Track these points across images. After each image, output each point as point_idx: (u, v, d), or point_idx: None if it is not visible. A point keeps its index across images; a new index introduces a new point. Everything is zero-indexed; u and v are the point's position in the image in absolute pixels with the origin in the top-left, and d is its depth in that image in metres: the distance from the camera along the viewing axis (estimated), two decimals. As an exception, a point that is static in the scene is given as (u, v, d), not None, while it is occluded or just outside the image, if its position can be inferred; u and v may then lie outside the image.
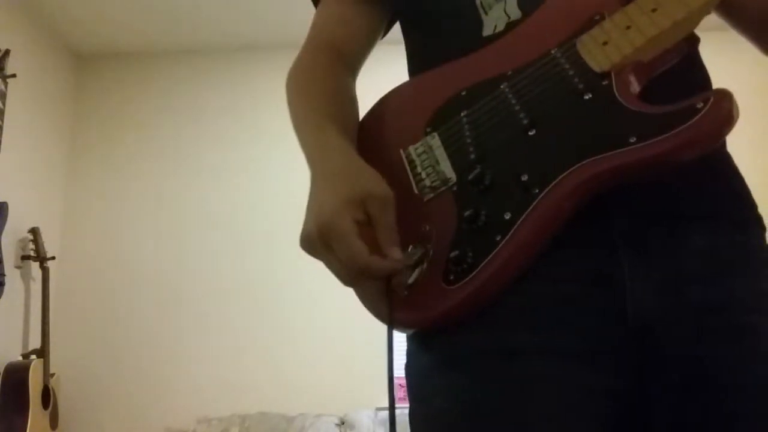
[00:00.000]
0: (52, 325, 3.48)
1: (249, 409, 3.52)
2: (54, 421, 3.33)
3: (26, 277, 3.61)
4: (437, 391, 0.76)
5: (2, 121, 3.19)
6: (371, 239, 0.73)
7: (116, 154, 4.15)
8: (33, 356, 3.38)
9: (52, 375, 3.38)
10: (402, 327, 0.79)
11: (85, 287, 3.91)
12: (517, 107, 0.77)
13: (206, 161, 4.09)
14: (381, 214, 0.74)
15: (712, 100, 0.66)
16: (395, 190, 0.81)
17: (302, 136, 0.87)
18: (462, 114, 0.81)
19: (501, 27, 0.85)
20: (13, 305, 3.43)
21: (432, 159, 0.81)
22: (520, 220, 0.71)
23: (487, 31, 0.86)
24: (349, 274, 0.73)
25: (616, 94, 0.72)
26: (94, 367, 3.76)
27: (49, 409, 3.29)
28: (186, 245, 3.95)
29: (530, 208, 0.71)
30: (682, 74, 0.76)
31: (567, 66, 0.76)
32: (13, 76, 3.31)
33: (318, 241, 0.73)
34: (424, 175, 0.80)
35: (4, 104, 3.22)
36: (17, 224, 3.46)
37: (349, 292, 0.80)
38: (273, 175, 3.93)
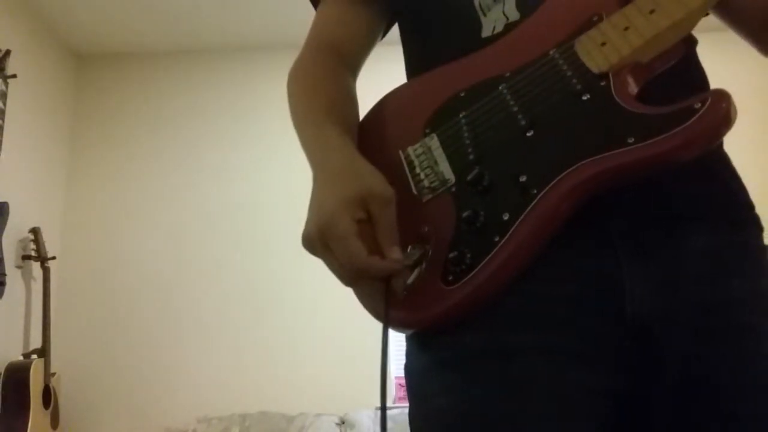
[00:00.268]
0: (53, 324, 3.48)
1: (249, 409, 3.52)
2: (55, 420, 3.33)
3: (27, 277, 3.61)
4: (436, 391, 0.76)
5: (2, 121, 3.19)
6: (371, 238, 0.73)
7: (116, 154, 4.15)
8: (34, 356, 3.38)
9: (53, 374, 3.38)
10: (401, 327, 0.79)
11: (86, 287, 3.91)
12: (516, 108, 0.77)
13: (206, 161, 4.09)
14: (381, 213, 0.75)
15: (709, 100, 0.67)
16: (394, 191, 0.81)
17: (303, 135, 0.88)
18: (461, 115, 0.81)
19: (500, 28, 0.85)
20: (13, 305, 3.43)
21: (431, 160, 0.81)
22: (519, 220, 0.72)
23: (485, 33, 0.86)
24: (348, 274, 0.73)
25: (614, 95, 0.72)
26: (94, 367, 3.76)
27: (50, 408, 3.29)
28: (186, 245, 3.95)
29: (528, 208, 0.71)
30: (680, 75, 0.77)
31: (565, 67, 0.76)
32: (14, 76, 3.31)
33: (318, 241, 0.73)
34: (422, 176, 0.80)
35: (4, 104, 3.22)
36: (18, 224, 3.46)
37: (349, 292, 0.80)
38: (273, 175, 3.93)
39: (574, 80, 0.74)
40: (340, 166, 0.79)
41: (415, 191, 0.80)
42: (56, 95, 4.10)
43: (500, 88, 0.79)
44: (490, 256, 0.72)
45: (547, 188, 0.71)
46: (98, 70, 4.31)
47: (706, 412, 0.73)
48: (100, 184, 4.11)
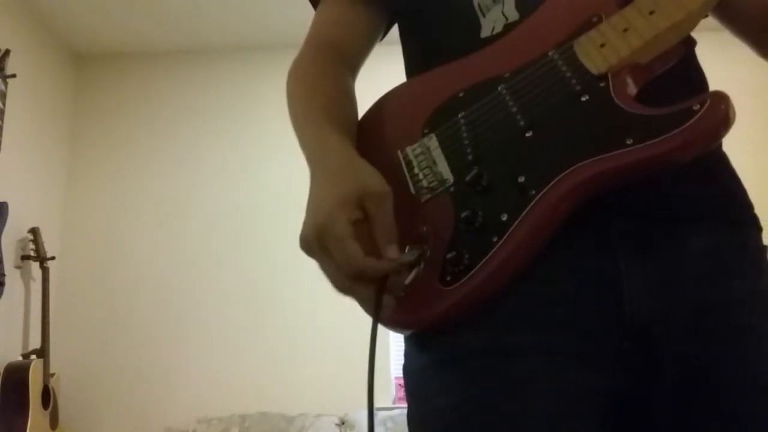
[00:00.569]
0: (52, 325, 3.48)
1: (249, 409, 3.52)
2: (54, 421, 3.33)
3: (26, 277, 3.61)
4: (435, 392, 0.76)
5: (2, 121, 3.19)
6: (369, 238, 0.72)
7: (116, 154, 4.15)
8: (33, 356, 3.38)
9: (52, 375, 3.38)
10: (399, 328, 0.79)
11: (85, 287, 3.91)
12: (515, 109, 0.77)
13: (206, 161, 4.09)
14: (378, 211, 0.73)
15: (708, 102, 0.67)
16: (392, 191, 0.81)
17: (301, 134, 0.87)
18: (459, 115, 0.81)
19: (499, 28, 0.85)
20: (13, 305, 3.43)
21: (429, 160, 0.81)
22: (517, 221, 0.72)
23: (485, 33, 0.86)
24: (345, 276, 0.72)
25: (613, 96, 0.72)
26: (94, 367, 3.76)
27: (49, 409, 3.29)
28: (186, 245, 3.95)
29: (527, 209, 0.71)
30: (679, 76, 0.77)
31: (564, 68, 0.76)
32: (13, 76, 3.31)
33: (315, 242, 0.73)
34: (421, 176, 0.80)
35: (4, 104, 3.22)
36: (17, 224, 3.46)
37: (350, 292, 0.79)
38: (273, 175, 3.93)
39: (573, 81, 0.74)
40: (337, 165, 0.78)
41: (413, 191, 0.80)
42: (56, 95, 4.10)
43: (499, 88, 0.79)
44: (488, 256, 0.72)
45: (545, 189, 0.71)
46: (98, 70, 4.31)
47: (706, 413, 0.73)
48: (99, 184, 4.11)
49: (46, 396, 3.27)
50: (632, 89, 0.72)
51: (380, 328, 0.76)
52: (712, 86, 0.79)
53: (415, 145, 0.83)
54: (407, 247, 0.75)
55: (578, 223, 0.72)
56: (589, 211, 0.71)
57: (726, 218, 0.80)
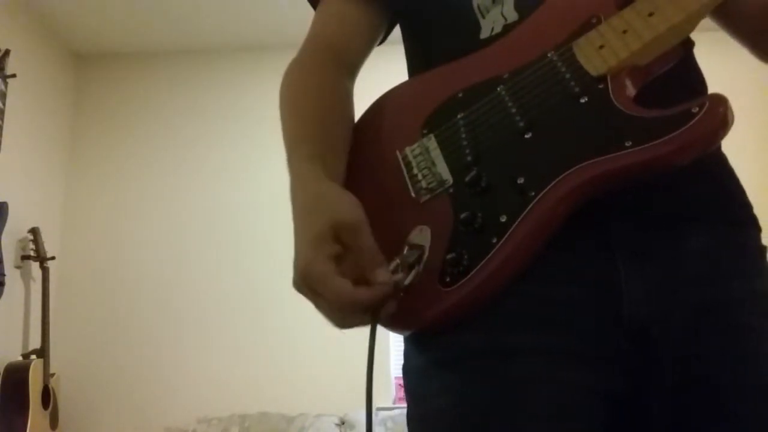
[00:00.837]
0: (52, 325, 3.48)
1: (249, 409, 3.52)
2: (54, 421, 3.33)
3: (26, 277, 3.61)
4: (435, 392, 0.76)
5: (2, 121, 3.19)
6: (355, 265, 0.72)
7: (116, 154, 4.15)
8: (33, 356, 3.38)
9: (52, 375, 3.38)
10: (398, 328, 0.79)
11: (85, 287, 3.91)
12: (514, 110, 0.77)
13: (206, 161, 4.09)
14: (355, 241, 0.72)
15: (707, 105, 0.67)
16: (391, 191, 0.81)
17: (286, 158, 0.86)
18: (459, 116, 0.81)
19: (498, 29, 0.85)
20: (13, 305, 3.43)
21: (428, 160, 0.80)
22: (516, 222, 0.72)
23: (484, 34, 0.86)
24: (342, 312, 0.71)
25: (612, 98, 0.72)
26: (94, 367, 3.76)
27: (49, 409, 3.29)
28: (186, 245, 3.95)
29: (526, 211, 0.71)
30: (677, 77, 0.77)
31: (563, 69, 0.76)
32: (13, 76, 3.31)
33: (303, 287, 0.72)
34: (420, 176, 0.80)
35: (4, 104, 3.22)
36: (17, 224, 3.46)
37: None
38: (273, 175, 3.90)
39: (572, 83, 0.74)
40: (308, 202, 0.77)
41: (412, 192, 0.80)
42: (56, 95, 4.10)
43: (498, 89, 0.79)
44: (487, 257, 0.72)
45: (544, 190, 0.71)
46: (98, 70, 4.31)
47: (706, 413, 0.73)
48: (99, 184, 4.11)
49: (46, 396, 3.28)
50: (631, 91, 0.72)
51: (380, 328, 0.76)
52: (711, 87, 0.79)
53: (414, 146, 0.83)
54: (406, 248, 0.75)
55: (577, 224, 0.72)
56: (589, 212, 0.71)
57: (725, 218, 0.80)
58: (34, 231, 3.57)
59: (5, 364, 3.22)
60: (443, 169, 0.79)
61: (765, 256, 0.82)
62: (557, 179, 0.71)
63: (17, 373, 3.19)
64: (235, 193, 4.01)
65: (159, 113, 4.21)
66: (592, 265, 0.75)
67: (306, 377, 3.65)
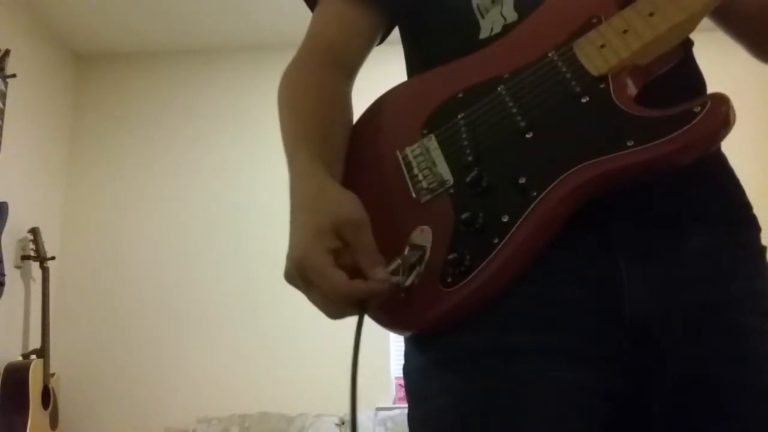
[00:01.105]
0: (52, 325, 3.48)
1: (249, 409, 3.52)
2: (54, 421, 3.33)
3: (26, 277, 3.61)
4: (435, 392, 0.76)
5: (2, 121, 3.19)
6: (351, 263, 0.72)
7: (116, 154, 4.15)
8: (33, 356, 3.38)
9: (52, 375, 3.38)
10: (399, 329, 0.79)
11: (85, 287, 3.91)
12: (515, 110, 0.77)
13: (206, 161, 4.09)
14: (356, 239, 0.73)
15: (709, 104, 0.67)
16: (391, 192, 0.81)
17: (285, 152, 0.86)
18: (459, 116, 0.81)
19: (497, 29, 0.85)
20: (13, 305, 3.43)
21: (429, 161, 0.80)
22: (518, 222, 0.71)
23: (483, 34, 0.86)
24: (335, 304, 0.72)
25: (614, 98, 0.72)
26: (94, 367, 3.76)
27: (49, 409, 3.29)
28: (186, 245, 3.95)
29: (527, 211, 0.71)
30: (677, 77, 0.77)
31: (564, 69, 0.76)
32: (13, 76, 3.31)
33: (297, 277, 0.73)
34: (420, 176, 0.80)
35: (4, 104, 3.22)
36: (17, 224, 3.46)
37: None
38: (273, 175, 3.90)
39: (573, 82, 0.74)
40: (309, 197, 0.78)
41: (413, 192, 0.80)
42: (56, 95, 4.10)
43: (499, 89, 0.79)
44: (489, 258, 0.72)
45: (546, 190, 0.71)
46: (98, 70, 4.31)
47: (707, 413, 0.73)
48: (99, 184, 4.11)
49: (46, 396, 3.27)
50: (632, 90, 0.72)
51: (379, 328, 0.76)
52: (711, 87, 0.79)
53: (415, 146, 0.83)
54: (407, 249, 0.75)
55: (579, 224, 0.72)
56: (590, 212, 0.71)
57: (725, 218, 0.80)
58: (34, 231, 3.57)
59: (5, 364, 3.22)
60: (444, 170, 0.79)
61: (765, 256, 0.82)
62: (559, 179, 0.71)
63: (17, 373, 3.19)
64: (235, 192, 4.01)
65: (159, 113, 4.21)
66: (594, 265, 0.75)
67: (306, 377, 3.65)
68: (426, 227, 0.77)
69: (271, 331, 3.76)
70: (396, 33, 1.02)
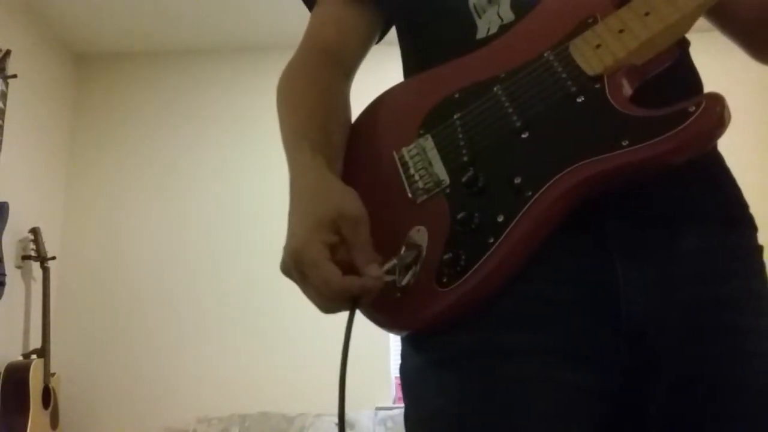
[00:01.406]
0: (53, 325, 3.48)
1: (249, 409, 3.52)
2: (54, 420, 3.33)
3: (27, 277, 3.61)
4: (432, 392, 0.76)
5: (2, 121, 3.19)
6: (347, 258, 0.73)
7: (116, 154, 4.15)
8: (33, 356, 3.38)
9: (53, 375, 3.38)
10: (395, 329, 0.79)
11: (86, 287, 3.91)
12: (510, 110, 0.77)
13: (206, 161, 4.09)
14: (353, 234, 0.73)
15: (704, 104, 0.67)
16: (388, 192, 0.81)
17: (285, 149, 0.87)
18: (455, 116, 0.81)
19: (494, 30, 0.85)
20: (13, 305, 3.43)
21: (425, 161, 0.81)
22: (513, 222, 0.72)
23: (480, 34, 0.86)
24: (327, 298, 0.72)
25: (609, 98, 0.72)
26: (94, 367, 3.76)
27: (50, 408, 3.29)
28: (186, 245, 3.95)
29: (523, 210, 0.72)
30: (673, 77, 0.77)
31: (560, 69, 0.76)
32: (14, 76, 3.31)
33: (293, 269, 0.73)
34: (417, 177, 0.80)
35: (4, 104, 3.23)
36: (18, 224, 3.46)
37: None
38: (273, 175, 3.90)
39: (569, 82, 0.74)
40: (311, 189, 0.78)
41: (409, 192, 0.80)
42: (56, 95, 4.10)
43: (495, 89, 0.79)
44: (484, 257, 0.72)
45: (541, 190, 0.71)
46: (98, 70, 4.31)
47: (702, 413, 0.73)
48: (99, 184, 4.11)
49: (47, 396, 3.28)
50: (628, 90, 0.73)
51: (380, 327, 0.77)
52: (708, 87, 0.79)
53: (411, 146, 0.83)
54: (403, 249, 0.75)
55: (574, 223, 0.72)
56: (585, 212, 0.71)
57: (721, 218, 0.80)
58: (34, 231, 3.57)
59: (6, 364, 3.22)
60: (440, 170, 0.79)
61: (761, 256, 0.82)
62: (554, 179, 0.71)
63: (18, 373, 3.19)
64: (235, 192, 4.01)
65: (159, 113, 4.21)
66: (589, 264, 0.75)
67: (306, 377, 3.64)
68: (422, 227, 0.77)
69: (271, 331, 3.76)
70: (394, 33, 1.02)
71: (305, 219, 0.75)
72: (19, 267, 3.55)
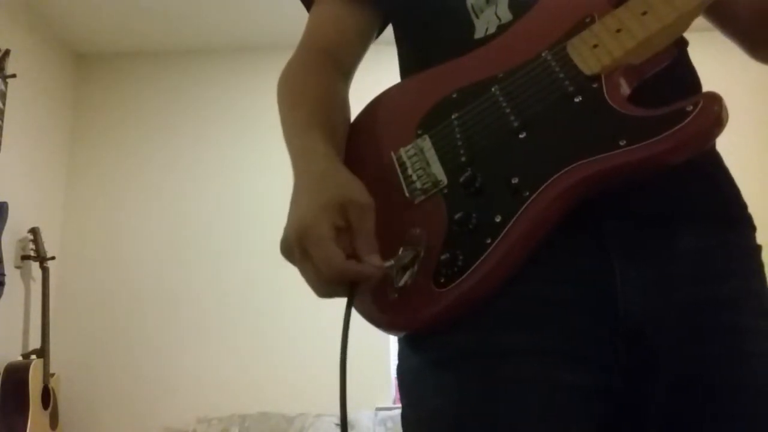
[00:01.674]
0: (52, 325, 3.48)
1: (249, 409, 3.52)
2: (54, 421, 3.33)
3: (26, 277, 3.61)
4: (430, 392, 0.76)
5: (2, 121, 3.19)
6: (350, 245, 0.73)
7: (116, 154, 4.15)
8: (33, 356, 3.38)
9: (52, 375, 3.38)
10: (393, 329, 0.79)
11: (85, 287, 3.91)
12: (508, 110, 0.77)
13: (206, 161, 4.09)
14: (360, 221, 0.74)
15: (701, 103, 0.67)
16: (386, 192, 0.81)
17: (288, 141, 0.87)
18: (453, 116, 0.81)
19: (492, 30, 0.85)
20: (13, 305, 3.43)
21: (423, 161, 0.81)
22: (511, 223, 0.72)
23: (478, 34, 0.86)
24: (326, 279, 0.72)
25: (607, 97, 0.72)
26: (94, 367, 3.76)
27: (49, 409, 3.29)
28: (186, 245, 3.95)
29: (520, 211, 0.72)
30: (671, 76, 0.77)
31: (557, 69, 0.76)
32: (13, 76, 3.31)
33: (295, 245, 0.73)
34: (414, 177, 0.80)
35: (4, 104, 3.22)
36: (17, 224, 3.46)
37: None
38: (273, 175, 3.91)
39: (567, 82, 0.74)
40: (320, 173, 0.79)
41: (407, 193, 0.80)
42: (56, 95, 4.10)
43: (493, 89, 0.79)
44: (482, 258, 0.72)
45: (539, 190, 0.71)
46: (98, 70, 4.31)
47: (700, 412, 0.73)
48: (99, 184, 4.11)
49: (46, 396, 3.28)
50: (625, 90, 0.73)
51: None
52: (706, 87, 0.79)
53: (409, 147, 0.83)
54: (401, 249, 0.75)
55: (572, 223, 0.72)
56: (583, 212, 0.71)
57: (719, 218, 0.80)
58: (34, 231, 3.57)
59: (5, 364, 3.22)
60: (438, 170, 0.79)
61: (759, 256, 0.82)
62: (552, 179, 0.71)
63: (17, 373, 3.19)
64: (236, 192, 4.01)
65: (159, 113, 4.21)
66: (587, 264, 0.75)
67: (306, 377, 3.64)
68: (420, 228, 0.77)
69: (271, 331, 3.76)
70: (393, 33, 1.02)
71: (317, 198, 0.75)
72: (18, 267, 3.55)
